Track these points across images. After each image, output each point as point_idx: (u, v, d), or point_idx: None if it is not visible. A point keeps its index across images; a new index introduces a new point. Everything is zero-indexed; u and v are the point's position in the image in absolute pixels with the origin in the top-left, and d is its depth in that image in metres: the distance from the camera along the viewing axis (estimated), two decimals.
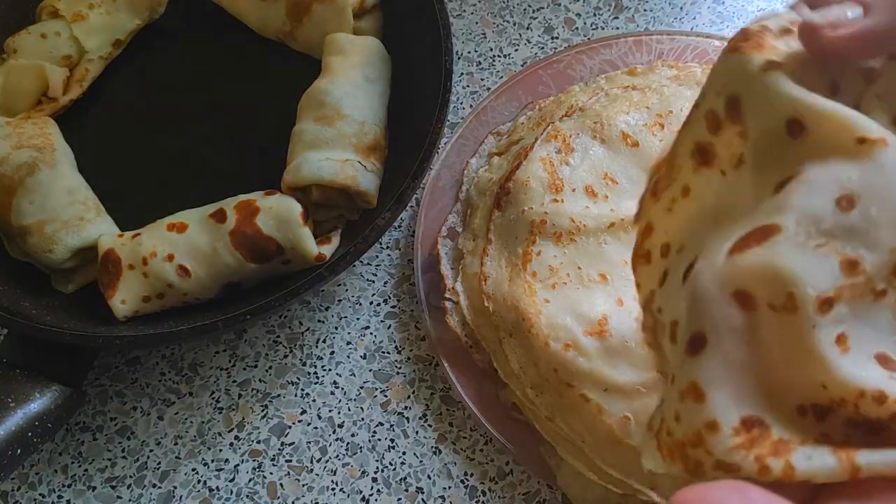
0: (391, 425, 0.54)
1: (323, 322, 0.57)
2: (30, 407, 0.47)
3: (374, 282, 0.58)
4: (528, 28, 0.68)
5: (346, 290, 0.58)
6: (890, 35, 0.27)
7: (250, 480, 0.52)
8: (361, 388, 0.55)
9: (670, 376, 0.28)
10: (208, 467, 0.53)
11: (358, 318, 0.57)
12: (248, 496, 0.52)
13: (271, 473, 0.52)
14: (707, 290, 0.26)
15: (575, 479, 0.48)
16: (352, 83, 0.56)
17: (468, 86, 0.66)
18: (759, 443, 0.25)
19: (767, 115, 0.29)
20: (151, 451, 0.53)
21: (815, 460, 0.25)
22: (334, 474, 0.52)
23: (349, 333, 0.57)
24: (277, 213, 0.51)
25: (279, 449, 0.53)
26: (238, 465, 0.53)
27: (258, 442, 0.53)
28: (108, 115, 0.62)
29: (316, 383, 0.55)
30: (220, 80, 0.63)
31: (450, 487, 0.52)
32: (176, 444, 0.54)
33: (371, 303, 0.58)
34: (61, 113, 0.60)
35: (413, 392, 0.55)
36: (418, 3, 0.58)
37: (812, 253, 0.26)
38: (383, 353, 0.56)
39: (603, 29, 0.68)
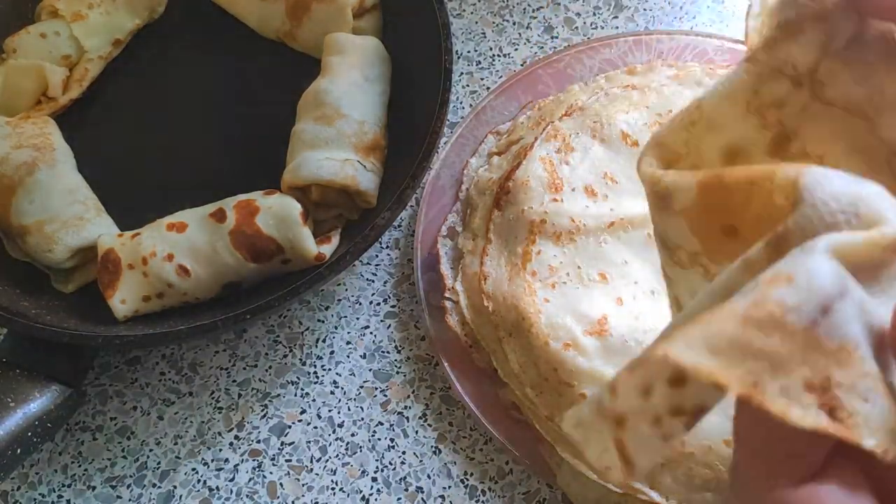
0: (391, 425, 0.54)
1: (323, 322, 0.57)
2: (29, 407, 0.47)
3: (373, 281, 0.58)
4: (527, 27, 0.68)
5: (346, 289, 0.58)
6: None
7: (250, 480, 0.52)
8: (361, 387, 0.55)
9: None
10: (208, 467, 0.53)
11: (358, 318, 0.57)
12: (247, 496, 0.52)
13: (271, 473, 0.52)
14: None
15: (575, 478, 0.48)
16: (351, 83, 0.56)
17: (468, 85, 0.66)
18: None
19: None
20: (151, 450, 0.53)
21: None
22: (334, 474, 0.52)
23: (349, 333, 0.57)
24: (277, 212, 0.51)
25: (279, 448, 0.53)
26: (238, 464, 0.53)
27: (258, 441, 0.53)
28: (107, 114, 0.62)
29: (316, 383, 0.55)
30: (219, 80, 0.63)
31: (449, 487, 0.52)
32: (176, 443, 0.54)
33: (371, 302, 0.58)
34: (61, 113, 0.60)
35: (413, 392, 0.55)
36: (418, 2, 0.58)
37: None
38: (383, 352, 0.56)
39: (602, 28, 0.68)
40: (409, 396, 0.54)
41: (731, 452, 0.24)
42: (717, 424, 0.47)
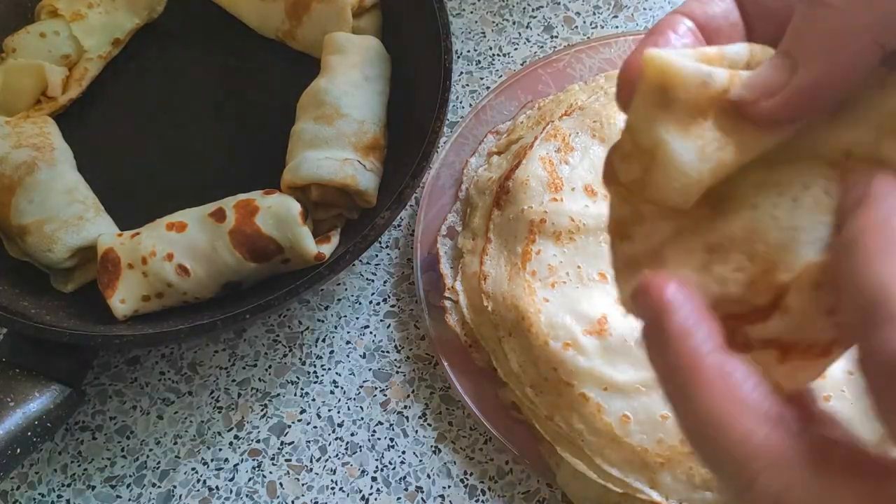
0: (391, 424, 0.54)
1: (322, 321, 0.57)
2: (29, 406, 0.47)
3: (373, 281, 0.58)
4: (527, 27, 0.68)
5: (346, 289, 0.58)
6: (823, 89, 0.24)
7: (250, 480, 0.52)
8: (361, 387, 0.55)
9: None
10: (208, 466, 0.53)
11: (357, 318, 0.57)
12: (247, 495, 0.52)
13: (271, 472, 0.52)
14: None
15: (574, 477, 0.48)
16: (351, 82, 0.56)
17: (467, 85, 0.66)
18: None
19: None
20: (151, 450, 0.53)
21: None
22: (334, 473, 0.52)
23: (349, 332, 0.57)
24: (277, 212, 0.51)
25: (279, 448, 0.53)
26: (237, 464, 0.53)
27: (258, 441, 0.53)
28: (107, 114, 0.62)
29: (315, 382, 0.55)
30: (219, 79, 0.63)
31: (449, 486, 0.52)
32: (175, 443, 0.54)
33: (370, 302, 0.58)
34: (60, 112, 0.60)
35: (412, 391, 0.55)
36: (417, 2, 0.58)
37: None
38: (383, 352, 0.56)
39: (602, 28, 0.68)
40: (408, 396, 0.54)
41: None
42: None
